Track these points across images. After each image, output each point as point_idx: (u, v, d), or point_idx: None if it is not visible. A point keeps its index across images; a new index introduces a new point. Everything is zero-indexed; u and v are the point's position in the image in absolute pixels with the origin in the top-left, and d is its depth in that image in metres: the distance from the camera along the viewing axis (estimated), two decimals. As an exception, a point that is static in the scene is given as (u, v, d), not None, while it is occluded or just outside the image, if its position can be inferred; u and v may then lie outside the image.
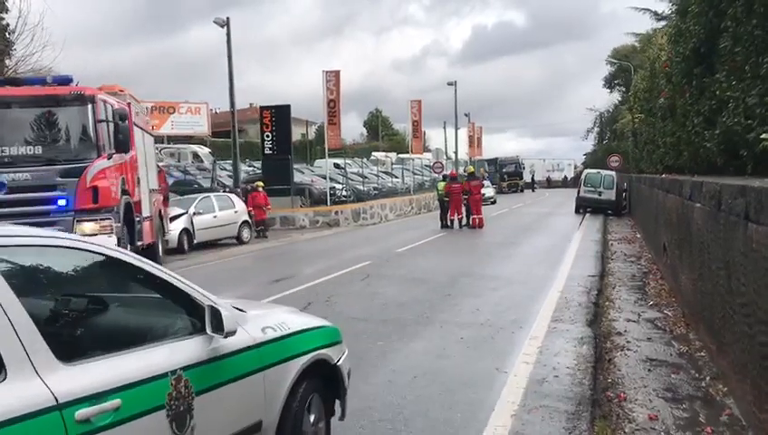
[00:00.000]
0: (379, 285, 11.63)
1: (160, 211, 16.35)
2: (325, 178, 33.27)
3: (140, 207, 13.72)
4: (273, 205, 27.63)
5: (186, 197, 21.80)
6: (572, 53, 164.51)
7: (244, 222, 22.13)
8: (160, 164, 37.71)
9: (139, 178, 13.60)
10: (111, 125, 11.28)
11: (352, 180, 36.39)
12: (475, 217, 24.48)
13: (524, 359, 6.78)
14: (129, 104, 13.67)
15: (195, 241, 19.81)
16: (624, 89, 53.68)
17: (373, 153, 60.77)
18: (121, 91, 13.97)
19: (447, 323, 8.50)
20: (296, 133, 71.58)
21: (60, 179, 10.61)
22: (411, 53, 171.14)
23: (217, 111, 70.61)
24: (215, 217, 20.74)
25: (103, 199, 10.85)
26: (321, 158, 43.38)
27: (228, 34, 28.79)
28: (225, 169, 38.62)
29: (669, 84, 13.21)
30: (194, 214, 19.86)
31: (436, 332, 8.10)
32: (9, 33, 19.41)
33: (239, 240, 21.78)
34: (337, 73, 30.68)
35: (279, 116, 29.91)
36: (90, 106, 10.90)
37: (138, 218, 13.23)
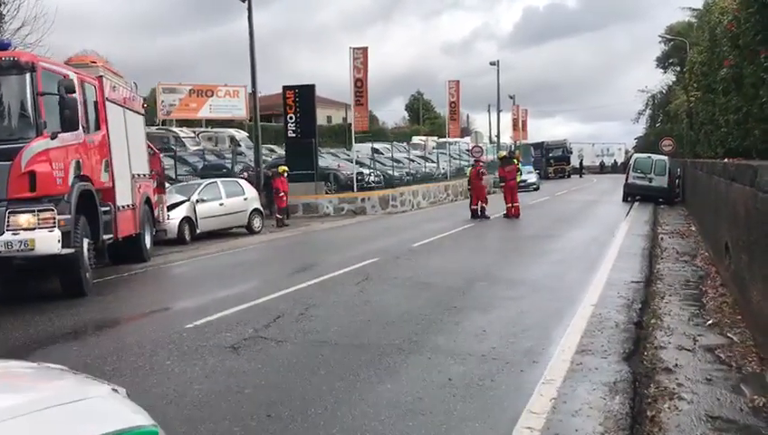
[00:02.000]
0: (374, 292, 9.67)
1: (148, 198, 14.66)
2: (353, 162, 31.63)
3: (113, 194, 12.05)
4: (296, 191, 26.10)
5: (189, 183, 20.26)
6: (624, 34, 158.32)
7: (255, 210, 20.42)
8: (192, 148, 36.69)
9: (109, 162, 11.90)
10: (58, 99, 9.49)
11: (384, 165, 34.48)
12: (510, 205, 22.28)
13: (528, 421, 4.75)
14: (100, 78, 11.98)
15: (198, 231, 18.19)
16: (678, 68, 50.36)
17: (414, 137, 58.81)
18: (93, 62, 12.31)
19: (439, 353, 6.51)
20: (337, 117, 70.19)
21: (-12, 164, 8.91)
22: (461, 36, 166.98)
23: (259, 95, 69.47)
24: (221, 204, 19.09)
25: (43, 187, 9.12)
26: (360, 142, 41.79)
27: (249, 9, 27.12)
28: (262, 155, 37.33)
29: (735, 50, 10.91)
30: (197, 201, 18.23)
31: (421, 367, 6.12)
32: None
33: (249, 230, 20.10)
34: (365, 50, 28.68)
35: (303, 96, 28.15)
36: (28, 75, 9.13)
37: (106, 208, 11.55)
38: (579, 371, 5.91)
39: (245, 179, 22.95)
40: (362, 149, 35.95)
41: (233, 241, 18.33)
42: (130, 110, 13.92)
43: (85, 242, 10.21)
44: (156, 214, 15.72)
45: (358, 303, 8.91)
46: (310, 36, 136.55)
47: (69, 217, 9.50)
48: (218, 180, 20.23)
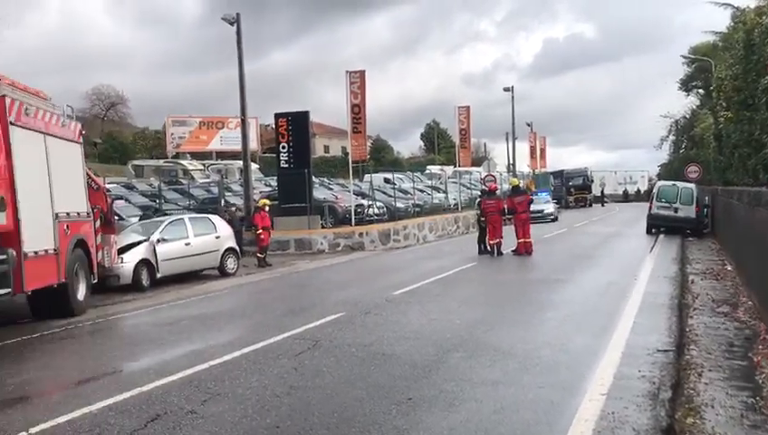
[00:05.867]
0: (311, 371, 7.25)
1: (82, 241, 12.48)
2: (362, 194, 29.61)
3: (16, 238, 9.90)
4: (288, 226, 24.21)
5: (151, 220, 18.10)
6: (645, 61, 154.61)
7: (229, 249, 18.17)
8: (200, 180, 34.93)
9: (9, 198, 9.79)
10: None
11: (389, 196, 32.24)
12: (522, 241, 19.77)
13: None
14: (1, 97, 9.93)
15: (159, 275, 15.96)
16: (702, 91, 47.68)
17: (428, 167, 56.75)
18: (-4, 79, 10.24)
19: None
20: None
21: None
22: (482, 68, 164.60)
23: (271, 128, 68.25)
24: (187, 244, 16.86)
25: None
26: (375, 172, 40.01)
27: (238, 33, 25.37)
28: (270, 186, 35.59)
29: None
30: (158, 241, 16.02)
31: None
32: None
33: (222, 272, 17.84)
34: (362, 74, 26.61)
35: (296, 124, 26.10)
36: None
37: (1, 257, 9.39)
38: None
39: (225, 214, 20.81)
40: (375, 180, 33.94)
41: (198, 286, 16.07)
42: (57, 137, 11.85)
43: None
44: (99, 257, 13.55)
45: (279, 391, 6.50)
46: (334, 71, 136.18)
47: None
48: (185, 217, 18.03)
